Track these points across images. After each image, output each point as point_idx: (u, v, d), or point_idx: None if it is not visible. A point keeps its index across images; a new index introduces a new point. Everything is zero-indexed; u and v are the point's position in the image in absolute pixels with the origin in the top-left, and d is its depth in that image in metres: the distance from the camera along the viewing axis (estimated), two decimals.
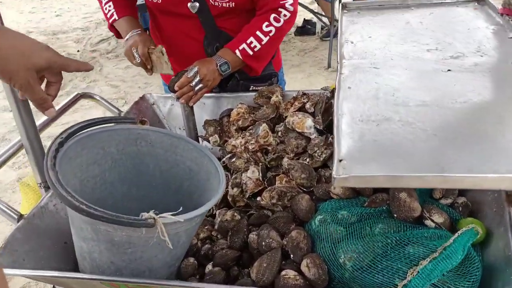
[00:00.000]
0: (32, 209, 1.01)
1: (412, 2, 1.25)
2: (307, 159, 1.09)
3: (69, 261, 1.01)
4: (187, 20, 1.39)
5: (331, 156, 1.07)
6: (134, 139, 1.09)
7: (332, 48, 4.41)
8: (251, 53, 1.36)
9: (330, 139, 1.07)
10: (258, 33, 1.36)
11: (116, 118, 1.05)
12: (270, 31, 1.36)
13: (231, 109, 1.41)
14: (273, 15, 1.36)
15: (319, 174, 1.08)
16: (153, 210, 0.78)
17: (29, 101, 0.99)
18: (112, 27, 1.46)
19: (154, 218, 0.77)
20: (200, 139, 1.44)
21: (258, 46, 1.36)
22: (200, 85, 1.30)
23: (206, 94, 1.52)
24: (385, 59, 0.96)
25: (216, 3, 1.34)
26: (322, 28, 5.18)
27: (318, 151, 1.06)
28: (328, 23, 4.81)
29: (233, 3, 1.33)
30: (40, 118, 1.20)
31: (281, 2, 1.35)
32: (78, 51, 5.28)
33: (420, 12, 1.19)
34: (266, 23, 1.36)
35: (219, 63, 1.33)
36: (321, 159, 1.07)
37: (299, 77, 4.23)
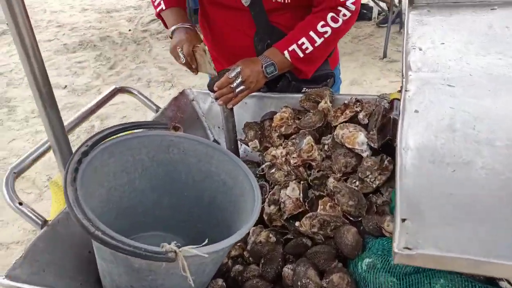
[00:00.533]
0: (57, 215, 0.96)
1: (496, 0, 1.04)
2: (357, 182, 0.95)
3: (91, 272, 0.96)
4: (238, 13, 1.28)
5: (386, 182, 0.93)
6: (166, 146, 1.00)
7: (390, 36, 4.12)
8: (301, 55, 1.21)
9: (386, 162, 0.92)
10: (311, 33, 1.20)
11: (147, 123, 0.96)
12: (326, 32, 1.20)
13: (275, 112, 1.29)
14: (330, 14, 1.20)
15: (369, 200, 0.94)
16: (174, 242, 0.69)
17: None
18: (159, 15, 1.38)
19: (175, 252, 0.68)
20: (239, 142, 1.33)
21: (310, 48, 1.21)
22: (242, 87, 1.17)
23: None
24: (462, 75, 0.79)
25: None
26: (379, 14, 4.85)
27: (370, 176, 0.92)
28: (386, 8, 4.50)
29: None
30: (67, 118, 1.15)
31: (341, 0, 1.19)
32: (129, 30, 5.32)
33: (506, 14, 0.99)
34: (322, 22, 1.20)
35: (265, 64, 1.19)
36: (374, 186, 0.92)
37: (351, 66, 3.99)
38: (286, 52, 1.21)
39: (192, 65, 1.24)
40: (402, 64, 0.85)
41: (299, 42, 1.21)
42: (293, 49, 1.21)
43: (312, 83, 1.33)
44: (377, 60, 4.09)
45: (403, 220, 0.50)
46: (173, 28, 1.27)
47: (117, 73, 4.24)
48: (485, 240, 0.47)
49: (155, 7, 1.37)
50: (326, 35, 1.20)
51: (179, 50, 1.22)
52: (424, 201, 0.53)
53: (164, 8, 1.33)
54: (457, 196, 0.52)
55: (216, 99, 1.21)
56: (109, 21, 5.61)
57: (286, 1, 1.21)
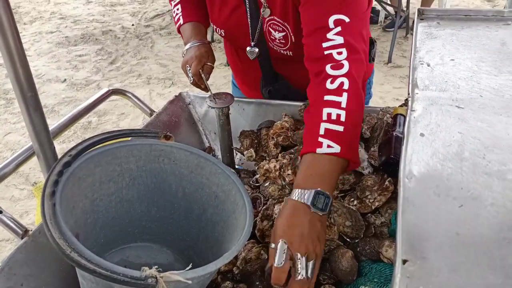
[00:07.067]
0: (38, 225, 0.91)
1: (510, 15, 0.99)
2: (355, 201, 0.91)
3: (73, 287, 0.91)
4: (247, 56, 1.24)
5: (385, 204, 0.88)
6: (156, 156, 0.95)
7: (395, 41, 4.06)
8: (339, 128, 0.83)
9: (387, 182, 0.87)
10: (326, 97, 0.86)
11: (136, 132, 0.91)
12: (341, 83, 0.86)
13: (273, 122, 1.24)
14: (329, 65, 0.89)
15: (367, 221, 0.90)
16: (155, 267, 0.64)
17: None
18: (180, 31, 1.33)
19: (156, 277, 0.63)
20: (234, 151, 1.28)
21: (342, 112, 0.84)
22: (311, 264, 0.75)
23: (246, 100, 1.36)
24: (471, 95, 0.74)
25: (276, 48, 1.16)
26: (385, 17, 4.80)
27: (370, 197, 0.87)
28: (393, 12, 4.44)
29: (291, 52, 1.14)
30: (52, 124, 1.10)
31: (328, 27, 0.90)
32: (132, 25, 5.27)
33: None
34: (329, 79, 0.87)
35: (310, 202, 0.78)
36: (373, 207, 0.87)
37: None
38: (321, 139, 0.82)
39: (201, 85, 1.19)
40: (409, 80, 0.80)
41: (324, 118, 0.84)
42: (326, 128, 0.83)
43: None
44: (382, 65, 4.04)
45: (404, 261, 0.46)
46: (186, 47, 1.22)
47: (117, 68, 4.20)
48: None
49: (176, 23, 1.32)
50: (344, 87, 0.86)
51: (188, 69, 1.18)
52: (428, 240, 0.48)
53: (182, 23, 1.27)
54: (464, 237, 0.48)
55: None
56: (113, 15, 5.56)
57: (288, 54, 1.16)
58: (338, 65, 0.88)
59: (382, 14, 4.80)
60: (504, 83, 0.75)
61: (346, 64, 0.88)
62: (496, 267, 0.45)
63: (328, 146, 0.81)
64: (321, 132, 0.83)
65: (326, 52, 0.90)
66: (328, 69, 0.88)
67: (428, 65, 0.83)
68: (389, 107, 1.12)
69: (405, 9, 4.41)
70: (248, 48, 1.17)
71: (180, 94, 1.42)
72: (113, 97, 1.46)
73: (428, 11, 1.03)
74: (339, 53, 0.89)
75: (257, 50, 1.16)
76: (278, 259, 0.74)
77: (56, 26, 5.28)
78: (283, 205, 0.82)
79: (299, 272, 0.73)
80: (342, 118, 0.83)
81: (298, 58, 1.09)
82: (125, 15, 5.57)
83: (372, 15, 4.81)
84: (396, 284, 0.43)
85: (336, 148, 0.81)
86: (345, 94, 0.85)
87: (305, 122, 0.91)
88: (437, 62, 0.84)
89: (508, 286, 0.43)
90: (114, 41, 4.82)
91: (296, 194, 0.80)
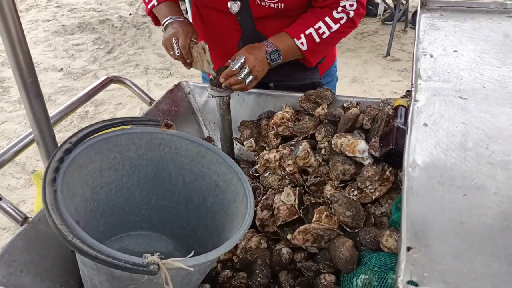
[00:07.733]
0: (38, 212, 0.91)
1: None
2: (355, 191, 0.91)
3: (72, 273, 0.91)
4: (226, 17, 1.23)
5: (385, 194, 0.88)
6: (157, 145, 0.95)
7: (394, 34, 4.05)
8: (317, 39, 1.16)
9: (387, 173, 0.88)
10: (327, 19, 1.16)
11: (137, 120, 0.91)
12: (341, 18, 1.16)
13: (273, 112, 1.24)
14: (341, 5, 1.16)
15: (367, 211, 0.90)
16: (157, 254, 0.64)
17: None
18: (150, 12, 1.31)
19: (158, 264, 0.63)
20: (234, 141, 1.28)
21: (327, 33, 1.16)
22: (251, 77, 1.12)
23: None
24: (474, 86, 0.74)
25: (263, 3, 1.15)
26: (384, 10, 4.78)
27: (370, 187, 0.87)
28: (392, 5, 4.42)
29: (283, 4, 1.14)
30: (62, 102, 1.09)
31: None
32: (130, 14, 5.22)
33: None
34: (338, 9, 1.16)
35: (269, 51, 1.14)
36: (373, 197, 0.88)
37: (353, 63, 3.93)
38: (302, 37, 1.15)
39: (187, 60, 1.18)
40: (412, 71, 0.80)
41: (316, 27, 1.16)
42: (310, 33, 1.16)
43: (296, 91, 1.28)
44: (380, 58, 4.03)
45: (409, 248, 0.46)
46: (167, 19, 1.21)
47: (114, 58, 4.16)
48: (498, 278, 0.42)
49: (147, 4, 1.30)
50: (342, 21, 1.17)
51: (175, 42, 1.16)
52: (432, 228, 0.48)
53: (156, 3, 1.27)
54: (468, 225, 0.48)
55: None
56: (110, 4, 5.50)
57: (280, 7, 1.15)
58: (346, 11, 1.16)
59: (381, 7, 4.78)
60: (507, 75, 0.75)
61: (352, 13, 1.16)
62: (500, 255, 0.45)
63: (302, 43, 1.17)
64: (307, 32, 1.16)
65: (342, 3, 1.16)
66: (340, 9, 1.16)
67: (431, 56, 0.83)
68: (390, 98, 1.12)
69: (404, 2, 4.39)
70: (229, 3, 1.16)
71: (180, 83, 1.41)
72: (110, 86, 1.46)
73: (431, 2, 1.03)
74: (351, 5, 1.16)
75: (239, 3, 1.16)
76: (235, 64, 1.09)
77: (53, 14, 5.22)
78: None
79: (240, 74, 1.09)
80: (324, 36, 1.17)
81: (287, 12, 1.17)
82: (123, 4, 5.51)
83: (371, 8, 4.79)
84: (401, 271, 0.43)
85: (304, 47, 1.17)
86: (338, 25, 1.17)
87: (305, 15, 1.19)
88: (440, 53, 0.84)
89: (511, 274, 0.43)
90: (111, 30, 4.78)
91: (268, 42, 1.16)
